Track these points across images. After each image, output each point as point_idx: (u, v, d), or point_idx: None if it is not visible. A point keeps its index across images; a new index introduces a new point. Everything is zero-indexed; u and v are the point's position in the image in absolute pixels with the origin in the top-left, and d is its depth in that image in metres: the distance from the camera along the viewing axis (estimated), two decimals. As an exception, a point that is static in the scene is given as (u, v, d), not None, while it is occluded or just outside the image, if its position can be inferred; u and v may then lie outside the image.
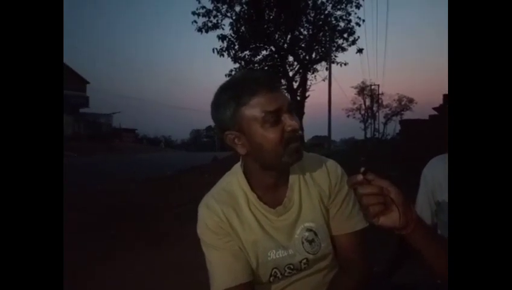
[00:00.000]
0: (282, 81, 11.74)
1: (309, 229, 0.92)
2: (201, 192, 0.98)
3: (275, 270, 0.91)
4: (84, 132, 27.58)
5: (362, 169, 0.68)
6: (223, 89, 0.85)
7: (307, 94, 12.44)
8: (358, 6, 11.53)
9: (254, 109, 0.80)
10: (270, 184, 0.91)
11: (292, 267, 0.91)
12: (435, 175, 1.27)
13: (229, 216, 0.89)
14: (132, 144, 33.59)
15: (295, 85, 12.16)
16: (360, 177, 0.68)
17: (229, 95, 0.83)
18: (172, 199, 5.36)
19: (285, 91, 11.65)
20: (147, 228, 3.91)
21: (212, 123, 0.91)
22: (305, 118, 12.41)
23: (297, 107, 11.61)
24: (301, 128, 0.85)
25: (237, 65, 11.50)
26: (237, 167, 0.96)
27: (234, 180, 0.94)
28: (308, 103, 12.56)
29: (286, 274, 0.92)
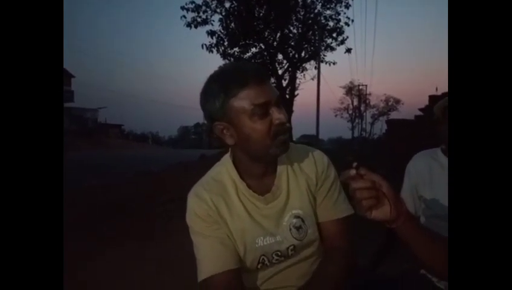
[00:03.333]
0: (272, 79, 11.77)
1: (297, 216, 0.94)
2: (188, 189, 0.98)
3: (262, 257, 0.92)
4: (69, 127, 27.01)
5: (355, 164, 0.70)
6: (213, 79, 0.86)
7: (296, 93, 12.50)
8: (347, 6, 11.63)
9: (243, 101, 0.81)
10: (258, 173, 0.93)
11: (280, 253, 0.93)
12: (419, 170, 1.29)
13: (218, 204, 0.90)
14: (118, 140, 33.08)
15: (284, 83, 12.18)
16: (353, 171, 0.70)
17: (219, 85, 0.83)
18: (159, 196, 5.32)
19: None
20: (133, 224, 3.88)
21: (200, 120, 0.92)
22: (293, 116, 12.46)
23: (285, 104, 11.66)
24: (289, 121, 0.86)
25: (226, 62, 11.46)
26: (226, 157, 0.97)
27: (224, 169, 0.96)
28: (296, 101, 12.60)
29: (274, 261, 0.94)
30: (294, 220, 0.94)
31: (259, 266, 0.93)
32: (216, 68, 0.90)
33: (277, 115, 0.83)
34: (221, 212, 0.90)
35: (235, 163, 0.94)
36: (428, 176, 1.25)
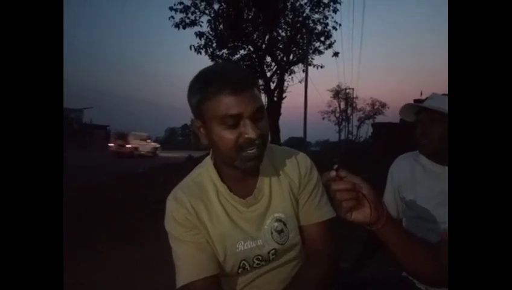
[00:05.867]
0: (260, 81, 11.81)
1: (278, 220, 0.93)
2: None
3: (243, 262, 0.91)
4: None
5: (335, 166, 0.70)
6: (198, 76, 0.84)
7: (284, 95, 12.55)
8: (335, 11, 11.77)
9: (215, 107, 0.78)
10: (239, 176, 0.91)
11: (261, 258, 0.92)
12: (401, 171, 1.31)
13: (197, 208, 0.88)
14: (104, 141, 32.52)
15: (272, 86, 12.23)
16: (333, 173, 0.70)
17: (198, 84, 0.81)
18: (144, 197, 5.26)
19: (263, 92, 11.73)
20: (118, 225, 3.83)
21: (188, 122, 0.90)
22: (281, 119, 12.51)
23: (273, 106, 11.70)
24: (263, 137, 0.82)
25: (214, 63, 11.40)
26: (207, 159, 0.96)
27: (204, 172, 0.94)
28: (284, 104, 12.64)
29: (255, 266, 0.92)
30: (276, 224, 0.93)
31: (239, 271, 0.91)
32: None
33: (247, 130, 0.78)
34: (201, 217, 0.88)
35: (216, 165, 0.92)
36: (410, 178, 1.27)
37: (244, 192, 0.91)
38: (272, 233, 0.92)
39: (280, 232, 0.93)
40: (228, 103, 0.77)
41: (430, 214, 1.17)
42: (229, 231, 0.89)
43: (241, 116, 0.79)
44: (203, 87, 0.80)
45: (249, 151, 0.81)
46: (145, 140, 22.16)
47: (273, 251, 0.92)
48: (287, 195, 0.94)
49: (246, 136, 0.79)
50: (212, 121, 0.80)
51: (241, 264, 0.91)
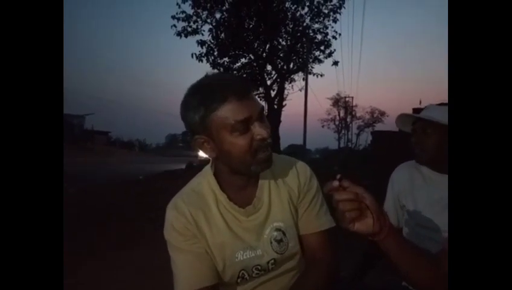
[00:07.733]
0: (260, 89, 11.89)
1: (278, 229, 0.93)
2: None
3: (242, 271, 0.91)
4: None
5: (338, 176, 0.70)
6: (193, 92, 0.83)
7: (284, 103, 12.61)
8: (335, 20, 11.92)
9: (223, 117, 0.79)
10: (240, 185, 0.91)
11: (260, 268, 0.92)
12: (401, 180, 1.32)
13: (197, 218, 0.88)
14: (105, 146, 32.53)
15: (272, 94, 12.29)
16: (336, 183, 0.69)
17: (199, 99, 0.80)
18: (144, 203, 5.25)
19: (263, 100, 11.81)
20: (117, 231, 3.81)
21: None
22: (281, 126, 12.54)
23: (273, 114, 11.75)
24: (271, 136, 0.84)
25: (216, 71, 11.45)
26: (207, 168, 0.96)
27: (204, 181, 0.94)
28: (284, 112, 12.71)
29: (254, 275, 0.92)
30: (275, 233, 0.92)
31: (238, 281, 0.91)
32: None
33: (258, 130, 0.80)
34: (200, 226, 0.88)
35: (216, 174, 0.92)
36: (410, 186, 1.28)
37: (244, 201, 0.91)
38: (271, 243, 0.92)
39: (279, 241, 0.92)
40: (236, 109, 0.78)
41: (430, 222, 1.18)
42: (228, 240, 0.89)
43: (251, 118, 0.80)
44: (206, 100, 0.79)
45: (262, 153, 0.82)
46: None
47: (273, 260, 0.92)
48: (286, 204, 0.94)
49: (259, 137, 0.80)
50: (222, 131, 0.80)
51: (240, 273, 0.90)
